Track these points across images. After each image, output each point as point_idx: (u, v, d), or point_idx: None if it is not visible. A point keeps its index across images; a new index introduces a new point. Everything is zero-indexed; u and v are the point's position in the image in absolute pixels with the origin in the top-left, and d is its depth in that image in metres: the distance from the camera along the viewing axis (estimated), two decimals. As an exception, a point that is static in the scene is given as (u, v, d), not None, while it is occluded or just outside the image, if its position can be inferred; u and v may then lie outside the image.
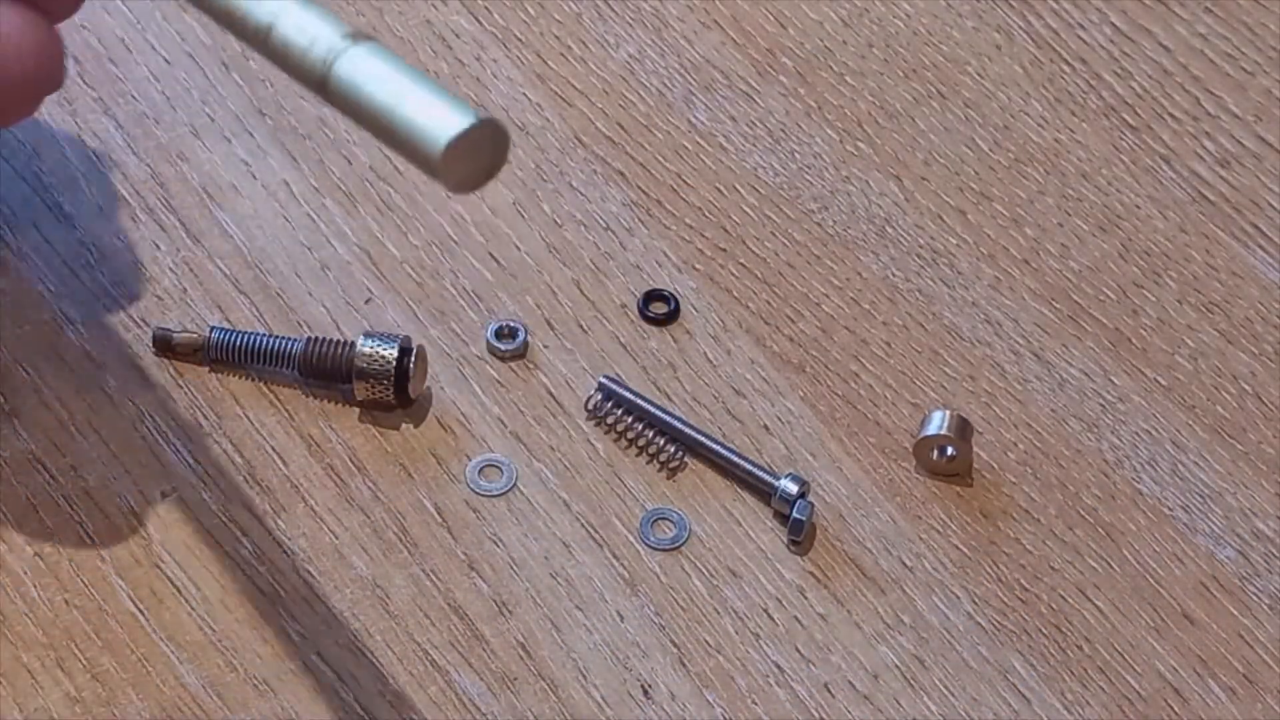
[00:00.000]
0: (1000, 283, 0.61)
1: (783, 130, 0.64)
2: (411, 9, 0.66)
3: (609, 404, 0.57)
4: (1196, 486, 0.57)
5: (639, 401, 0.56)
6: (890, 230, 0.62)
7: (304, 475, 0.55)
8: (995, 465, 0.57)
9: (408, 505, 0.55)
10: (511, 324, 0.58)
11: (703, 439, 0.56)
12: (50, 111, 0.62)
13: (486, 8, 0.67)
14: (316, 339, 0.56)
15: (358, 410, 0.57)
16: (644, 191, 0.62)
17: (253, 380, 0.57)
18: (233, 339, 0.57)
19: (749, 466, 0.56)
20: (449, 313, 0.59)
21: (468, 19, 0.66)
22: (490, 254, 0.60)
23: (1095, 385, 0.58)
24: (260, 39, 0.43)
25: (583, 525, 0.55)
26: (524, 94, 0.64)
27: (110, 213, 0.60)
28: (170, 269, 0.59)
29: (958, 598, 0.54)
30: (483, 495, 0.55)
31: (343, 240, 0.60)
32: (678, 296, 0.59)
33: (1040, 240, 0.62)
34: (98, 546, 0.54)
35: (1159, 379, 0.59)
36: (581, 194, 0.62)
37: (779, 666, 0.53)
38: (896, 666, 0.53)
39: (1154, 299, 0.61)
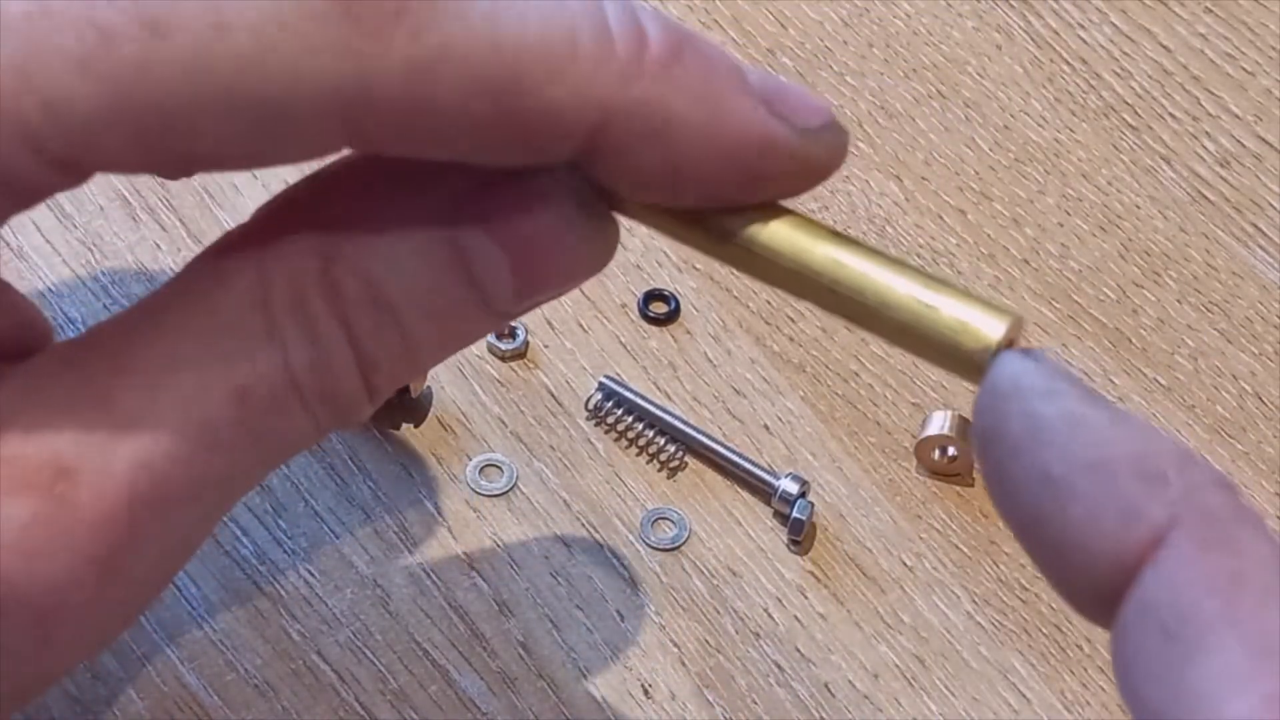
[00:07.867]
0: (1000, 283, 0.61)
1: (783, 130, 0.64)
2: (411, 9, 0.66)
3: (609, 404, 0.57)
4: (1196, 486, 0.56)
5: (639, 401, 0.56)
6: (890, 230, 0.62)
7: (304, 475, 0.55)
8: (995, 465, 0.57)
9: (408, 505, 0.55)
10: (511, 324, 0.58)
11: (703, 439, 0.56)
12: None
13: (486, 8, 0.66)
14: (316, 339, 0.56)
15: (358, 410, 0.57)
16: (644, 191, 0.62)
17: (253, 380, 0.57)
18: (233, 339, 0.57)
19: (749, 466, 0.56)
20: (449, 313, 0.59)
21: (468, 19, 0.66)
22: (490, 254, 0.60)
23: (1095, 385, 0.58)
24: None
25: (583, 525, 0.55)
26: (524, 94, 0.64)
27: (110, 213, 0.60)
28: (170, 269, 0.59)
29: (958, 598, 0.54)
30: (483, 495, 0.55)
31: (343, 240, 0.60)
32: (678, 296, 0.59)
33: (1040, 240, 0.62)
34: (98, 546, 0.53)
35: (1159, 379, 0.59)
36: (581, 194, 0.62)
37: (779, 666, 0.53)
38: (896, 666, 0.53)
39: (1154, 299, 0.61)
